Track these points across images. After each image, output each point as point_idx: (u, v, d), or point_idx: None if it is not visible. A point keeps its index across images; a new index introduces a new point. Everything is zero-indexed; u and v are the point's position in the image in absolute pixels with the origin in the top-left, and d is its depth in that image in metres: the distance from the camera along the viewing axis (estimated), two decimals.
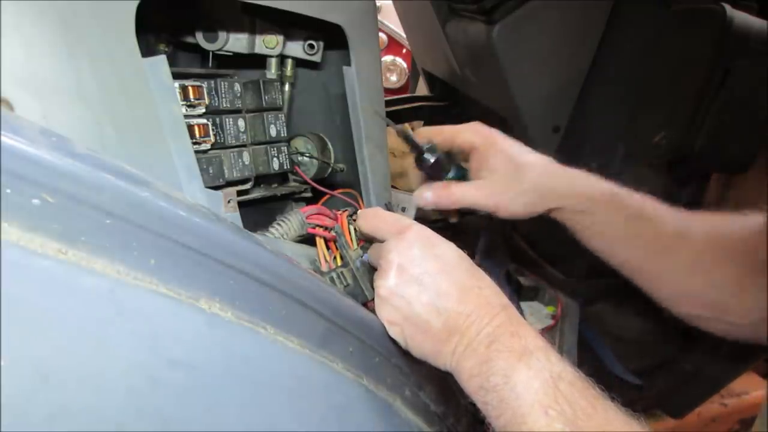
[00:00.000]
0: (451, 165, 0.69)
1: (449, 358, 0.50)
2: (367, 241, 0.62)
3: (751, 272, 0.62)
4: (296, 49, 0.75)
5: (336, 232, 0.64)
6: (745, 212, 0.66)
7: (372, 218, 0.57)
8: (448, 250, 0.52)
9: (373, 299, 0.63)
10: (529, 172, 0.66)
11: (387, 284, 0.51)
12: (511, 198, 0.66)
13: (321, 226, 0.66)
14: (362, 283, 0.62)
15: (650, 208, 0.68)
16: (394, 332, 0.52)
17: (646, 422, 0.45)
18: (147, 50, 0.58)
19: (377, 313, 0.53)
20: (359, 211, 0.59)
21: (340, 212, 0.66)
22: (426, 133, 0.70)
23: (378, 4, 1.72)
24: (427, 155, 0.66)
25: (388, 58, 2.51)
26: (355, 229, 0.64)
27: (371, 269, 0.62)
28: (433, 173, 0.68)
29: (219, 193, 0.60)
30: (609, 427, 0.43)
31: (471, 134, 0.68)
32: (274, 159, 0.71)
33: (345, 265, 0.63)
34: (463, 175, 0.71)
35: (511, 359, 0.46)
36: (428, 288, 0.50)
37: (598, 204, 0.67)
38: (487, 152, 0.67)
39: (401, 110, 1.59)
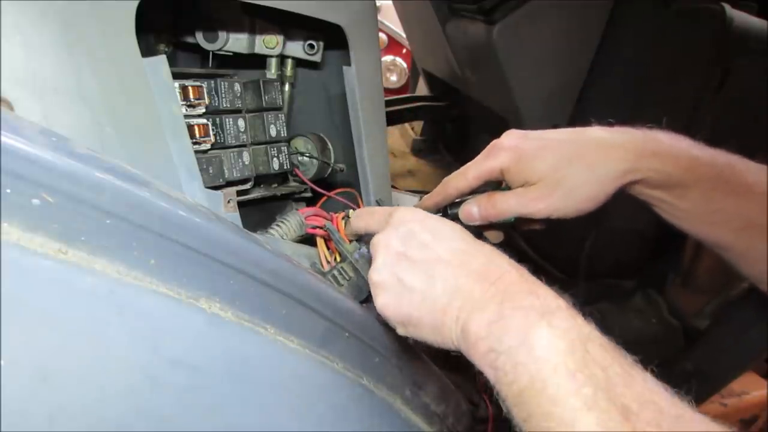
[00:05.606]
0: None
1: (453, 328, 0.42)
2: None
3: None
4: (296, 49, 0.75)
5: (327, 228, 0.64)
6: None
7: (364, 215, 0.57)
8: (440, 223, 0.48)
9: None
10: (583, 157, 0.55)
11: (376, 267, 0.48)
12: (565, 194, 0.55)
13: (320, 227, 0.66)
14: (364, 274, 0.62)
15: (753, 180, 0.57)
16: (389, 315, 0.47)
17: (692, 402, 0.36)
18: (147, 50, 0.58)
19: (375, 304, 0.49)
20: (353, 213, 0.59)
21: (336, 214, 0.66)
22: (427, 202, 0.62)
23: (378, 4, 1.72)
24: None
25: (388, 58, 2.50)
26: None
27: (371, 260, 0.62)
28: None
29: (219, 193, 0.60)
30: (652, 397, 0.35)
31: (499, 161, 0.57)
32: (274, 159, 0.71)
33: (344, 259, 0.63)
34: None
35: (530, 317, 0.39)
36: (419, 258, 0.45)
37: (687, 181, 0.57)
38: (524, 166, 0.57)
39: (401, 110, 1.59)
